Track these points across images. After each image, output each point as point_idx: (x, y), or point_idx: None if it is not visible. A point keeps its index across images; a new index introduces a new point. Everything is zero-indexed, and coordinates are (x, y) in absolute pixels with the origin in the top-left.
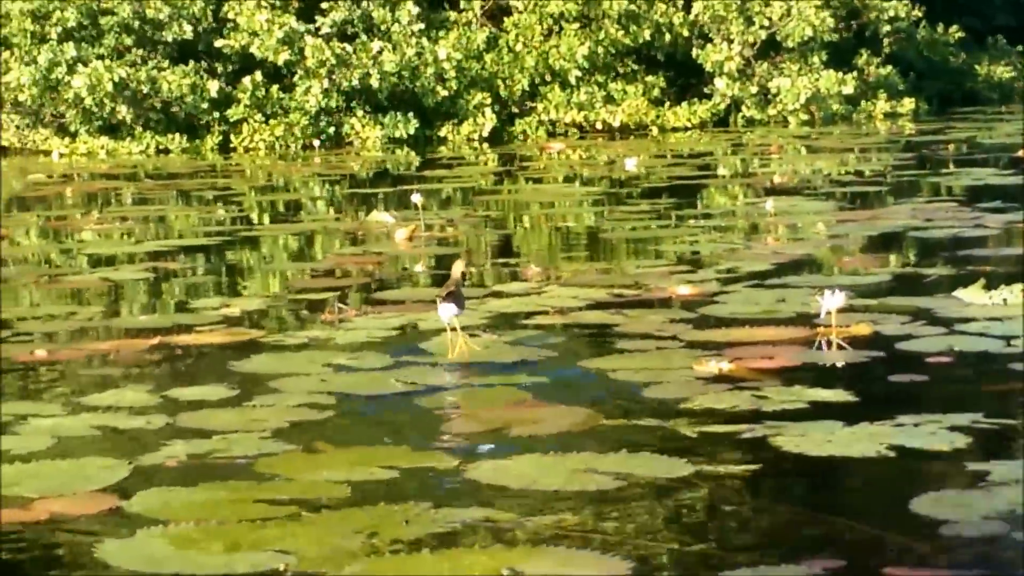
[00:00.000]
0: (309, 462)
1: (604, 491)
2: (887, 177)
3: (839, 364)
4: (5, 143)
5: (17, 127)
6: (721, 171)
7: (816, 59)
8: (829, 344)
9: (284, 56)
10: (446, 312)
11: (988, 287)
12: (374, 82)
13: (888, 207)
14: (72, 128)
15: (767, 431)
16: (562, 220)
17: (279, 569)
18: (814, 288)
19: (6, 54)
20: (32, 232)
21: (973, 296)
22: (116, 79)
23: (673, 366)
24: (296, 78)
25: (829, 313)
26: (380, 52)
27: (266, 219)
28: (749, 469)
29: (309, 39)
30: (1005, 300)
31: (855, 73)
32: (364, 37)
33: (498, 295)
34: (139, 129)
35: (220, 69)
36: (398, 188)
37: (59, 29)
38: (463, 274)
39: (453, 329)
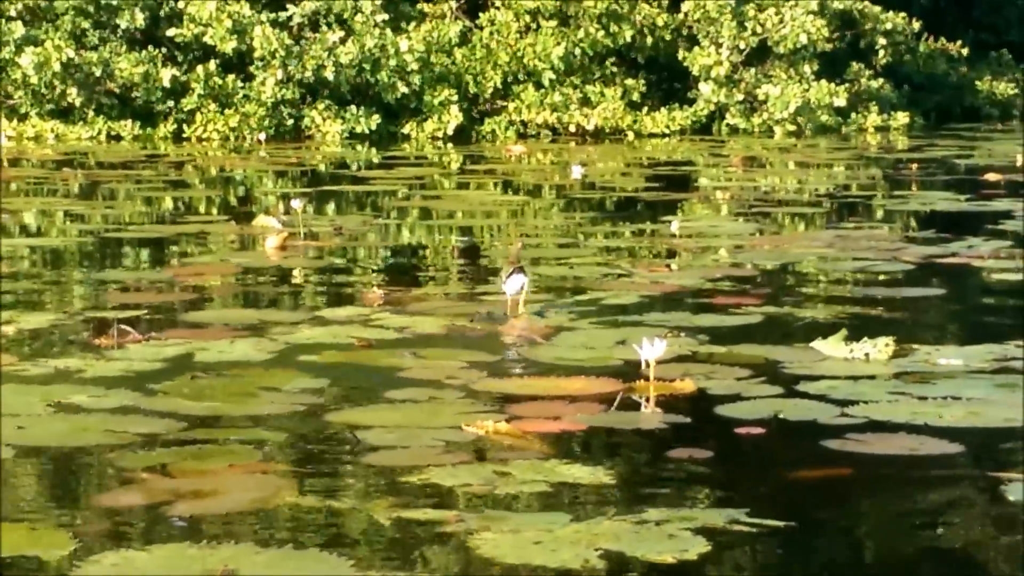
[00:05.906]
0: None
1: None
2: (832, 197)
3: (625, 431)
4: None
5: None
6: (701, 181)
7: (807, 68)
8: (634, 404)
9: (232, 45)
10: (513, 286)
11: (851, 338)
12: (329, 74)
13: (812, 232)
14: (22, 110)
15: (478, 523)
16: (454, 235)
17: None
18: (671, 328)
19: None
20: None
21: (833, 348)
22: (64, 59)
23: (437, 424)
24: (253, 68)
25: (648, 364)
26: (337, 43)
27: (191, 213)
28: None
29: (258, 29)
30: (867, 355)
31: (847, 85)
32: (327, 28)
33: (316, 322)
34: (91, 113)
35: (180, 58)
36: (324, 188)
37: (18, 6)
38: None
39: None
